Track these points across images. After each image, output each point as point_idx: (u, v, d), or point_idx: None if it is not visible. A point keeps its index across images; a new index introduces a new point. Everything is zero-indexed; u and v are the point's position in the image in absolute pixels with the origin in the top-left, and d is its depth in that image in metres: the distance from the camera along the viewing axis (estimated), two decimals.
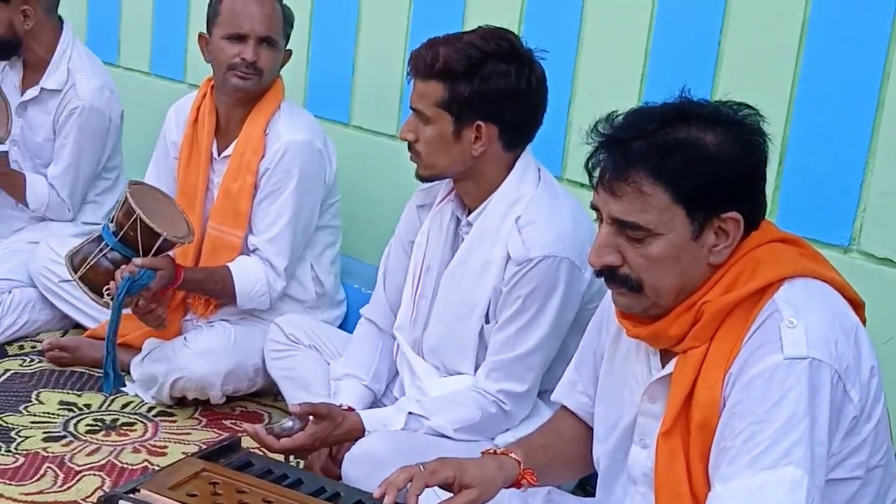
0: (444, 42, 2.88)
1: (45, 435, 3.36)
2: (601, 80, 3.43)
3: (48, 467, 3.17)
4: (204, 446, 3.19)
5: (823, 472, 2.01)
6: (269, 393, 3.73)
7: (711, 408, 2.08)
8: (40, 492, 3.04)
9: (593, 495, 2.48)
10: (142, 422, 3.52)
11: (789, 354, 2.00)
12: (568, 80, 3.47)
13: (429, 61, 2.86)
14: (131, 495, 2.32)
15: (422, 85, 2.89)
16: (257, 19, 3.55)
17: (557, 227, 2.87)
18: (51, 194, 4.22)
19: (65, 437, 3.37)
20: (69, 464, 3.20)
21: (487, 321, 2.96)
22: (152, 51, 5.10)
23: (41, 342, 3.99)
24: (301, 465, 3.00)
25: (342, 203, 3.87)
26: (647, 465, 2.23)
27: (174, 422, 3.54)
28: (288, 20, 3.69)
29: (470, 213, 3.00)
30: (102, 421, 3.50)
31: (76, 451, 3.28)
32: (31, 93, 4.24)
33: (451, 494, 2.25)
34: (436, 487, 2.25)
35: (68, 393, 3.68)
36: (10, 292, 4.04)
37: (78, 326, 4.13)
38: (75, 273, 3.45)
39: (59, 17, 4.29)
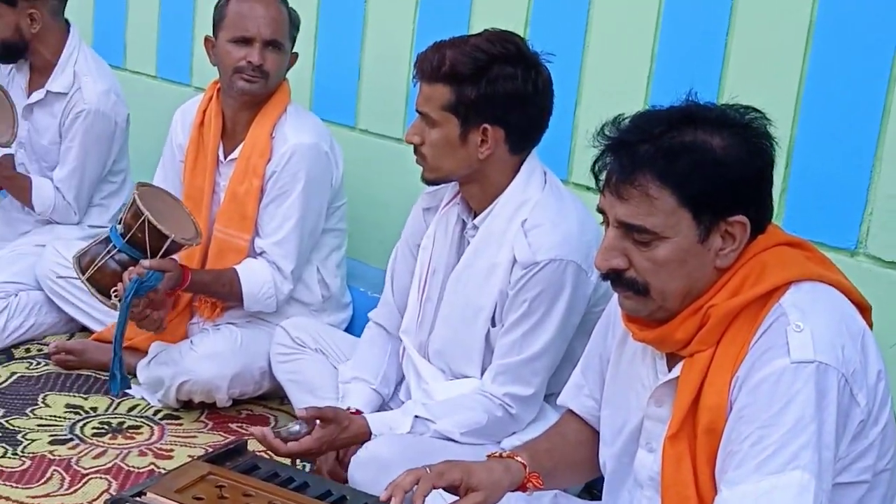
0: (451, 45, 2.87)
1: (52, 438, 3.37)
2: (607, 83, 3.42)
3: (55, 470, 3.17)
4: (210, 449, 3.18)
5: (830, 476, 2.00)
6: (275, 396, 3.73)
7: (718, 412, 2.07)
8: (47, 495, 3.04)
9: (600, 499, 2.48)
10: (148, 425, 3.52)
11: (796, 358, 1.99)
12: (574, 84, 3.47)
13: (435, 64, 2.86)
14: (137, 498, 2.32)
15: (428, 88, 2.89)
16: (263, 22, 3.55)
17: (563, 231, 2.87)
18: (57, 197, 4.22)
19: (71, 440, 3.37)
20: (75, 467, 3.20)
21: (493, 324, 2.96)
22: (158, 54, 5.10)
23: (47, 345, 3.99)
24: (308, 469, 3.00)
25: (348, 206, 3.87)
26: (653, 468, 2.23)
27: (180, 425, 3.55)
28: (294, 23, 3.69)
29: (476, 216, 3.00)
30: (109, 424, 3.50)
31: (82, 454, 3.28)
32: (38, 96, 4.25)
33: (457, 497, 2.25)
34: (441, 490, 2.25)
35: (75, 396, 3.69)
36: (16, 295, 4.05)
37: (84, 329, 4.13)
38: (83, 274, 3.45)
39: (66, 21, 4.29)
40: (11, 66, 4.33)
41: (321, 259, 3.80)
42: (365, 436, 2.88)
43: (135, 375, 3.67)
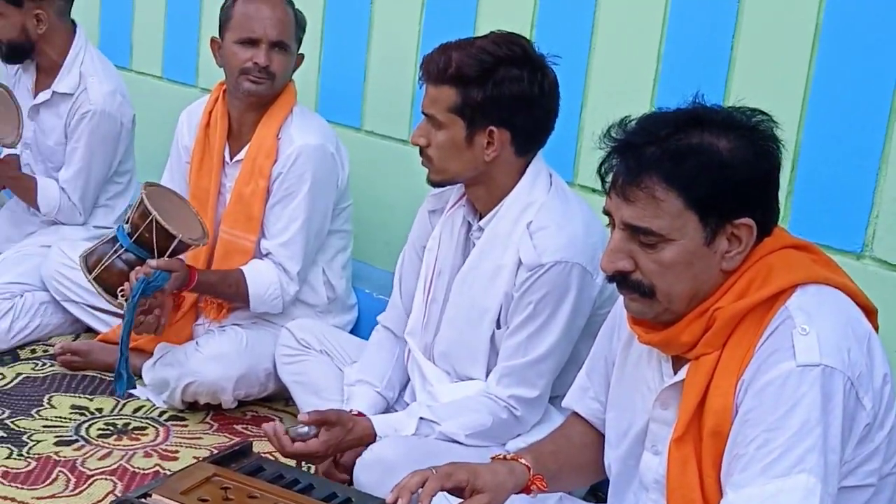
0: (457, 47, 2.87)
1: (57, 439, 3.37)
2: (613, 84, 3.42)
3: (60, 471, 3.17)
4: (215, 451, 3.20)
5: (836, 480, 2.00)
6: (280, 397, 3.73)
7: (724, 415, 2.07)
8: (52, 496, 3.04)
9: (605, 501, 2.47)
10: (153, 426, 3.52)
11: (802, 361, 1.99)
12: (580, 85, 3.47)
13: (441, 66, 2.86)
14: (143, 500, 2.32)
15: (434, 90, 2.89)
16: (270, 24, 3.55)
17: (569, 233, 2.87)
18: (62, 198, 4.23)
19: (77, 441, 3.37)
20: (81, 468, 3.20)
21: (499, 326, 2.95)
22: (164, 55, 5.10)
23: (53, 346, 4.00)
24: (312, 471, 3.00)
25: (354, 208, 3.87)
26: (658, 471, 2.23)
27: (186, 426, 3.55)
28: (300, 24, 3.69)
29: (481, 218, 3.00)
30: (114, 425, 3.50)
31: (88, 455, 3.28)
32: (44, 96, 4.25)
33: (461, 500, 2.25)
34: (446, 493, 2.25)
35: (80, 397, 3.69)
36: (22, 296, 4.05)
37: (90, 330, 4.13)
38: (89, 273, 3.45)
39: (72, 21, 4.29)
40: (18, 66, 4.34)
41: (327, 260, 3.80)
42: (370, 437, 2.88)
43: (140, 376, 3.67)
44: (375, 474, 2.70)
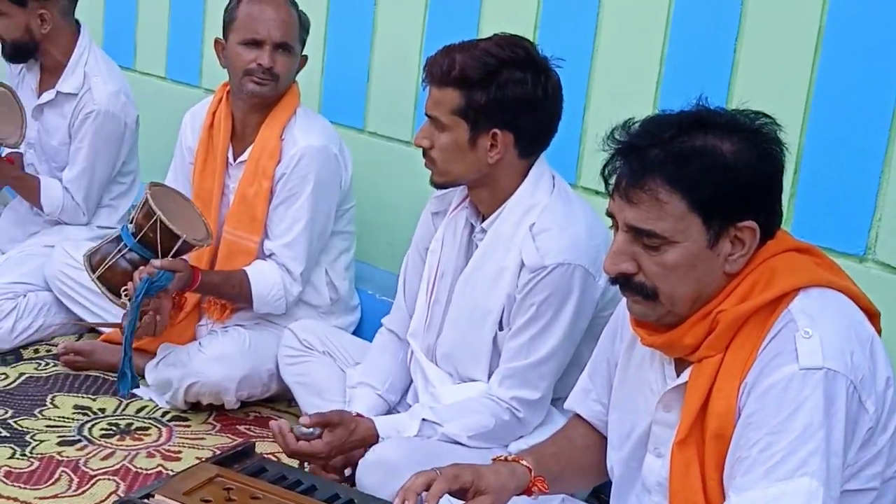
0: (461, 49, 2.88)
1: (60, 439, 3.37)
2: (616, 86, 3.42)
3: (63, 471, 3.17)
4: (218, 451, 3.21)
5: (839, 484, 2.01)
6: (282, 398, 3.73)
7: (726, 417, 2.07)
8: (55, 496, 3.04)
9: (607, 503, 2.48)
10: (156, 426, 3.52)
11: (805, 365, 2.00)
12: (583, 88, 3.47)
13: (445, 68, 2.86)
14: (145, 500, 2.33)
15: (437, 92, 2.89)
16: (274, 25, 3.56)
17: (572, 235, 2.87)
18: (65, 198, 4.23)
19: (79, 441, 3.37)
20: (84, 468, 3.20)
21: (501, 328, 2.96)
22: (168, 55, 5.11)
23: (56, 346, 4.00)
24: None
25: (357, 209, 3.87)
26: (661, 474, 2.23)
27: (188, 427, 3.55)
28: (304, 26, 3.69)
29: (484, 219, 3.00)
30: (117, 425, 3.50)
31: (91, 455, 3.28)
32: (48, 96, 4.25)
33: (463, 501, 2.25)
34: (447, 495, 2.25)
35: (83, 397, 3.69)
36: (25, 296, 4.05)
37: (93, 330, 4.14)
38: (93, 273, 3.45)
39: (76, 21, 4.29)
40: (22, 66, 4.34)
41: (330, 261, 3.80)
42: (373, 438, 2.88)
43: (143, 377, 3.68)
44: (378, 475, 2.71)
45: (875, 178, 2.87)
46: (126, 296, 3.37)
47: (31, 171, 4.31)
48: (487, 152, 2.87)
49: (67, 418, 3.52)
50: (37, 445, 3.31)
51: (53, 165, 4.30)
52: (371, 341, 3.37)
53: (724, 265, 2.11)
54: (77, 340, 4.08)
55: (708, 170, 2.05)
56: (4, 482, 3.07)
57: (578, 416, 2.56)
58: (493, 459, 2.40)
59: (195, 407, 3.63)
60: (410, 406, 3.10)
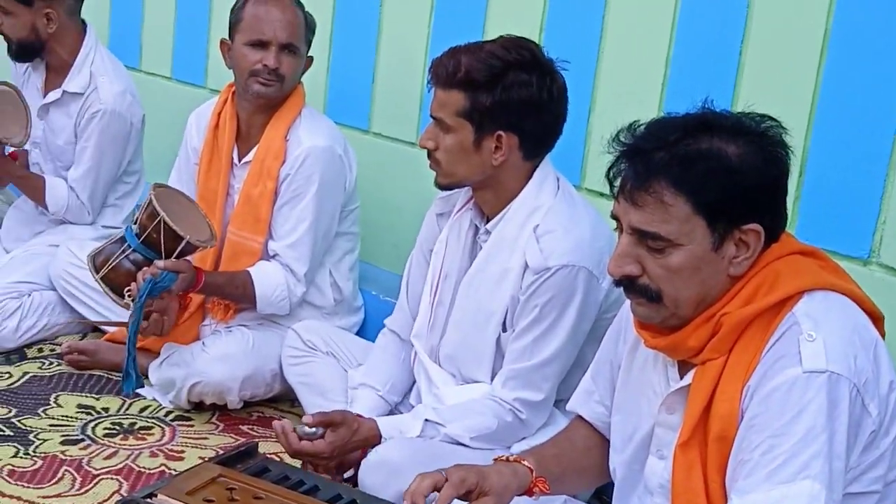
0: (466, 51, 2.88)
1: (64, 438, 3.37)
2: (621, 89, 3.42)
3: (66, 470, 3.18)
4: (221, 451, 3.21)
5: (841, 487, 2.00)
6: (286, 398, 3.74)
7: (729, 420, 2.07)
8: (58, 495, 3.05)
9: None
10: (159, 426, 3.52)
11: (808, 368, 1.99)
12: (588, 90, 3.47)
13: (450, 70, 2.86)
14: (148, 500, 2.33)
15: (443, 94, 2.89)
16: (279, 26, 3.56)
17: (575, 237, 2.87)
18: (70, 197, 4.23)
19: (83, 440, 3.37)
20: (87, 467, 3.20)
21: (504, 329, 2.96)
22: (174, 56, 5.11)
23: (60, 345, 4.00)
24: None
25: (361, 210, 3.88)
26: (663, 476, 2.23)
27: (192, 426, 3.55)
28: (310, 27, 3.69)
29: (488, 221, 3.00)
30: (120, 425, 3.51)
31: (94, 454, 3.29)
32: (54, 95, 4.26)
33: (465, 502, 2.25)
34: None
35: (87, 396, 3.69)
36: (29, 295, 4.06)
37: (97, 330, 4.14)
38: (97, 273, 3.46)
39: (82, 21, 4.30)
40: (27, 65, 4.35)
41: (334, 262, 3.80)
42: (375, 439, 2.88)
43: (147, 376, 3.68)
44: (380, 476, 2.71)
45: (880, 182, 2.87)
46: (129, 296, 3.38)
47: (36, 170, 4.32)
48: (492, 154, 2.88)
49: (71, 417, 3.52)
50: (40, 444, 3.31)
51: (59, 165, 4.30)
52: (375, 342, 3.37)
53: (729, 268, 2.11)
54: (81, 340, 4.08)
55: (713, 173, 2.05)
56: (8, 481, 3.08)
57: (580, 417, 2.56)
58: (495, 459, 2.41)
59: (198, 407, 3.63)
60: (413, 407, 3.10)
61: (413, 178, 3.88)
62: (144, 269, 3.35)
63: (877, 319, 2.19)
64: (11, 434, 3.35)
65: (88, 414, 3.56)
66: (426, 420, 2.89)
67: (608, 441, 2.45)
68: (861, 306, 2.15)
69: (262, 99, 3.60)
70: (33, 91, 4.27)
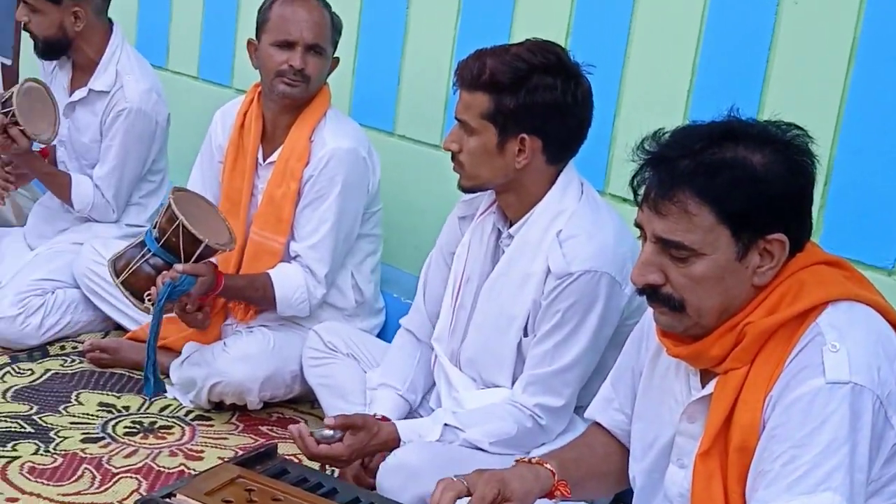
0: (492, 54, 2.87)
1: (84, 436, 3.38)
2: (647, 95, 3.41)
3: (86, 468, 3.18)
4: (240, 452, 3.22)
5: (862, 499, 1.99)
6: (305, 400, 3.74)
7: (751, 430, 2.06)
8: (77, 493, 3.05)
9: None
10: (179, 425, 3.53)
11: (831, 379, 1.98)
12: (613, 95, 3.46)
13: (475, 72, 2.85)
14: (167, 500, 2.33)
15: (467, 96, 2.89)
16: (306, 26, 3.56)
17: (599, 242, 2.86)
18: (96, 195, 4.24)
19: (103, 438, 3.38)
20: (107, 465, 3.21)
21: (526, 334, 2.95)
22: (200, 55, 5.13)
23: (82, 343, 4.02)
24: (336, 474, 3.00)
25: (384, 212, 3.88)
26: (683, 485, 2.22)
27: (211, 426, 3.56)
28: (336, 28, 3.69)
29: (511, 225, 3.00)
30: (140, 423, 3.52)
31: (114, 452, 3.29)
32: (80, 94, 4.27)
33: None
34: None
35: (108, 394, 3.70)
36: (53, 293, 4.07)
37: (119, 328, 4.15)
38: (117, 278, 3.47)
39: (109, 20, 4.31)
40: (54, 63, 4.36)
41: (356, 264, 3.80)
42: (394, 442, 2.87)
43: (168, 375, 3.69)
44: (399, 479, 2.70)
45: None
46: (149, 300, 3.39)
47: (61, 168, 4.33)
48: (515, 157, 2.87)
49: (92, 415, 3.53)
50: (60, 442, 3.32)
51: (84, 163, 4.31)
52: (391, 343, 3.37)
53: (753, 277, 2.10)
54: (103, 338, 4.09)
55: (738, 182, 2.04)
56: (28, 478, 3.09)
57: (598, 424, 2.55)
58: (517, 461, 2.40)
59: (218, 406, 3.63)
60: (433, 410, 3.10)
61: (437, 181, 3.87)
62: (164, 272, 3.36)
63: None
64: (32, 431, 3.37)
65: (109, 412, 3.57)
66: (445, 424, 2.88)
67: (627, 448, 2.44)
68: (885, 317, 2.13)
69: (288, 99, 3.61)
70: (59, 89, 4.29)
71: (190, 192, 3.66)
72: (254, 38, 3.69)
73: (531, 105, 2.82)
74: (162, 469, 3.23)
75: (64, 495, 3.03)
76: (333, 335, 3.51)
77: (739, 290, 2.10)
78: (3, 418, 3.42)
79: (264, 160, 3.73)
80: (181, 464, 3.27)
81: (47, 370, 3.83)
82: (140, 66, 4.29)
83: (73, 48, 4.25)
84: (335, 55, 3.71)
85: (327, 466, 2.86)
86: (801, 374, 2.02)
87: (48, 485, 3.07)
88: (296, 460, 2.85)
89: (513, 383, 2.97)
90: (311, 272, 3.63)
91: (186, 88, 5.11)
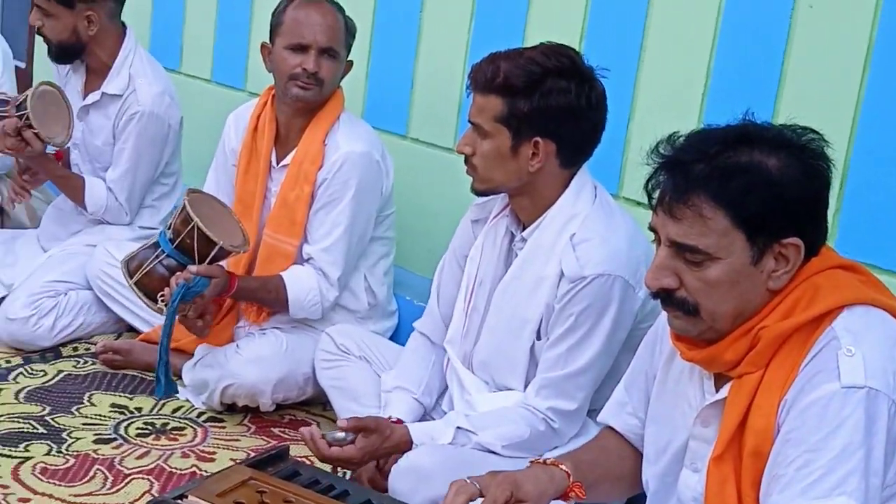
0: (505, 57, 2.87)
1: (96, 437, 3.39)
2: (661, 98, 3.41)
3: (98, 469, 3.19)
4: (252, 453, 3.22)
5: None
6: (318, 402, 3.74)
7: (765, 434, 2.05)
8: (89, 493, 3.05)
9: None
10: (191, 427, 3.53)
11: (846, 383, 1.97)
12: (628, 98, 3.46)
13: (489, 76, 2.85)
14: (179, 501, 2.33)
15: (481, 99, 2.89)
16: (320, 30, 3.56)
17: (612, 246, 2.85)
18: (109, 198, 4.25)
19: (115, 439, 3.39)
20: (119, 466, 3.22)
21: (539, 338, 2.94)
22: (214, 59, 5.14)
23: (95, 344, 4.02)
24: (348, 476, 3.00)
25: (397, 215, 3.88)
26: (697, 489, 2.21)
27: (223, 428, 3.56)
28: (350, 31, 3.69)
29: (524, 228, 2.99)
30: (153, 425, 3.52)
31: (126, 453, 3.30)
32: (93, 97, 4.28)
33: None
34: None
35: (120, 396, 3.71)
36: (66, 294, 4.08)
37: (132, 330, 4.16)
38: (131, 278, 3.47)
39: (122, 23, 4.32)
40: (67, 67, 4.37)
41: (369, 267, 3.80)
42: (406, 445, 2.87)
43: (180, 377, 3.69)
44: (410, 482, 2.70)
45: None
46: (163, 301, 3.39)
47: (75, 171, 4.34)
48: (529, 160, 2.87)
49: (104, 416, 3.54)
50: (73, 443, 3.32)
51: (97, 166, 4.32)
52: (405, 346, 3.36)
53: (768, 282, 2.09)
54: (116, 339, 4.10)
55: (753, 186, 2.04)
56: (40, 479, 3.09)
57: (610, 428, 2.54)
58: (531, 462, 2.40)
59: (231, 408, 3.64)
60: (446, 412, 3.09)
61: (450, 184, 3.87)
62: (177, 274, 3.37)
63: None
64: (45, 432, 3.37)
65: (121, 413, 3.58)
66: (458, 427, 2.87)
67: (640, 452, 2.44)
68: None
69: (301, 102, 3.61)
70: (73, 93, 4.29)
71: (204, 193, 3.66)
72: (267, 41, 3.69)
73: (545, 108, 2.82)
74: (174, 470, 3.23)
75: (76, 496, 3.03)
76: (346, 338, 3.51)
77: (754, 294, 2.09)
78: (15, 419, 3.43)
79: (278, 163, 3.73)
80: (193, 465, 3.28)
81: (60, 371, 3.84)
82: (153, 70, 4.30)
83: (87, 52, 4.26)
84: (349, 58, 3.72)
85: (339, 469, 2.86)
86: (816, 379, 2.01)
87: (60, 485, 3.07)
88: (308, 462, 2.85)
89: (525, 386, 2.97)
90: (324, 275, 3.63)
91: (200, 92, 5.12)
